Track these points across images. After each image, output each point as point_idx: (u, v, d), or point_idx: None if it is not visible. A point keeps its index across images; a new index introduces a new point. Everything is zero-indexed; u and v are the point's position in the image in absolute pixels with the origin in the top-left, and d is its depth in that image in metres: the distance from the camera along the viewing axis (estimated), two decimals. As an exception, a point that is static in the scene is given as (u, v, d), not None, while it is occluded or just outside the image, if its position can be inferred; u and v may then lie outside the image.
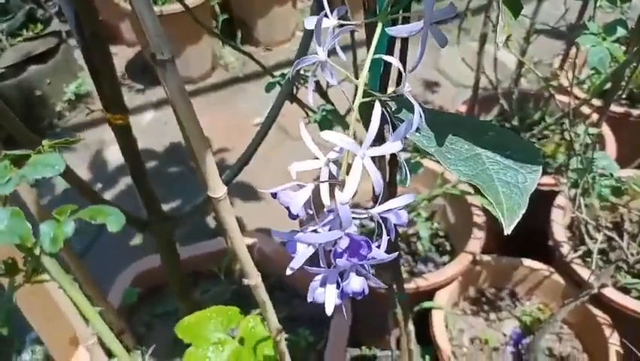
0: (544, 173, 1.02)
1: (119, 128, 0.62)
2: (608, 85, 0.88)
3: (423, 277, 0.91)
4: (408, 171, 0.41)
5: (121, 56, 2.08)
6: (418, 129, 0.39)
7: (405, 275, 0.98)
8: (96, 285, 0.78)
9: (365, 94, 0.35)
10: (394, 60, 0.36)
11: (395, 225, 0.34)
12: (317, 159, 0.35)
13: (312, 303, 0.33)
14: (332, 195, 0.35)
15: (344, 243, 0.31)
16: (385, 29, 0.36)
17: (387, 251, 0.33)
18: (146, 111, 1.86)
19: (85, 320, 0.75)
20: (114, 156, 1.68)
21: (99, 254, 1.37)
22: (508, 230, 0.33)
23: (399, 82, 0.53)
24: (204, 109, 1.86)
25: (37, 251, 0.33)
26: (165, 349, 0.84)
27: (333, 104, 0.83)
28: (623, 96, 1.28)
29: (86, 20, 0.54)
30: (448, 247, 1.08)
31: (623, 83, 0.90)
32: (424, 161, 0.92)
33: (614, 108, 1.19)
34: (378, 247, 0.33)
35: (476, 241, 0.96)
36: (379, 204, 0.33)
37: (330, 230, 0.32)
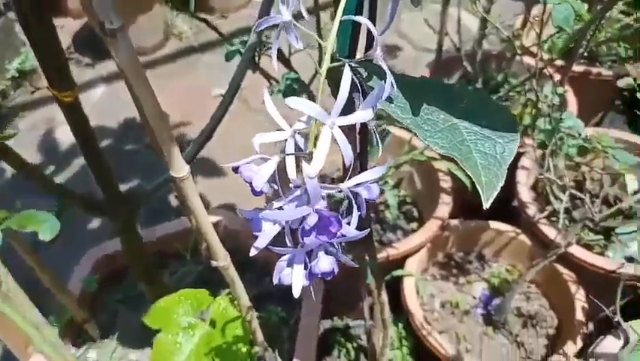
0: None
1: (68, 105, 0.58)
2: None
3: (393, 246, 0.90)
4: (379, 141, 0.38)
5: (67, 28, 1.95)
6: (390, 99, 0.37)
7: (376, 245, 0.98)
8: (54, 275, 0.74)
9: (333, 60, 0.32)
10: (366, 21, 0.34)
11: (366, 199, 0.32)
12: (282, 130, 0.32)
13: (279, 285, 0.31)
14: (298, 169, 0.32)
15: (312, 220, 0.29)
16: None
17: (359, 227, 0.31)
18: (97, 86, 1.77)
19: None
20: (65, 135, 1.59)
21: (59, 233, 1.31)
22: (487, 204, 0.31)
23: (368, 48, 0.50)
24: (159, 82, 1.78)
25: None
26: (132, 336, 0.81)
27: (297, 73, 0.79)
28: (583, 55, 1.29)
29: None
30: (416, 214, 1.08)
31: (585, 42, 0.90)
32: (390, 128, 0.90)
33: (575, 67, 1.20)
34: (349, 223, 0.32)
35: (444, 206, 0.96)
36: (349, 178, 0.31)
37: (297, 206, 0.30)
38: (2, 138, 0.32)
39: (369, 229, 0.34)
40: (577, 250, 0.88)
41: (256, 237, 0.31)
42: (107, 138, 1.57)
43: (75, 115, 0.58)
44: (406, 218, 1.07)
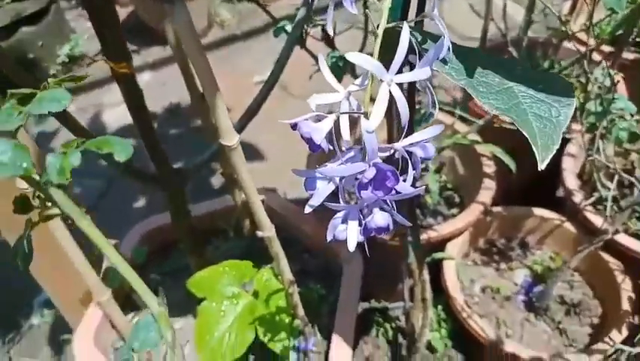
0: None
1: (124, 78, 0.60)
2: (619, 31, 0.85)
3: (434, 228, 0.90)
4: (436, 102, 0.38)
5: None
6: (445, 61, 0.37)
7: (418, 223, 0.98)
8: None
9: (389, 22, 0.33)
10: None
11: (422, 158, 0.32)
12: (336, 92, 0.33)
13: (332, 242, 0.32)
14: (352, 131, 0.33)
15: (370, 173, 0.29)
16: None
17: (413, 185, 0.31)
18: (143, 72, 1.82)
19: (98, 272, 0.75)
20: (112, 118, 1.65)
21: (106, 211, 1.36)
22: (542, 165, 0.31)
23: (420, 13, 0.51)
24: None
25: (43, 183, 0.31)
26: (178, 306, 0.83)
27: (339, 51, 0.80)
28: (635, 41, 1.25)
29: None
30: (457, 200, 1.07)
31: (636, 29, 0.87)
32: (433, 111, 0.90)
33: (625, 55, 1.16)
34: (405, 180, 0.32)
35: (487, 191, 0.95)
36: (404, 137, 0.31)
37: (352, 163, 0.31)
38: (76, 79, 0.34)
39: (423, 187, 0.35)
40: (624, 239, 0.86)
41: (310, 197, 0.31)
42: (152, 121, 1.62)
43: (130, 87, 0.61)
44: (447, 204, 1.06)
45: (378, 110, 0.29)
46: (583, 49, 0.78)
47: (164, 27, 0.75)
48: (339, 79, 0.69)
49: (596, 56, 1.18)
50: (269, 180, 1.38)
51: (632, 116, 0.70)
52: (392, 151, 0.32)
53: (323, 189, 0.32)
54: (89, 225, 0.36)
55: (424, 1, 0.46)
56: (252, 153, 1.44)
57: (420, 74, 0.31)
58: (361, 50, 0.77)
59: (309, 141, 0.31)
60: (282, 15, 2.19)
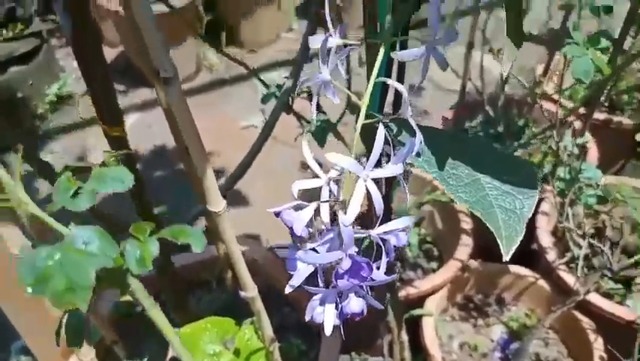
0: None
1: (116, 140, 0.62)
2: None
3: (413, 285, 0.92)
4: (407, 189, 0.40)
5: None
6: (418, 153, 0.40)
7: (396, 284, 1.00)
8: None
9: (367, 117, 0.36)
10: (398, 85, 0.37)
11: (394, 246, 0.35)
12: (317, 178, 0.35)
13: (311, 321, 0.34)
14: (332, 214, 0.35)
15: (346, 264, 0.32)
16: (390, 54, 0.37)
17: (386, 271, 0.34)
18: (130, 113, 1.84)
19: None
20: (97, 160, 1.66)
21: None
22: (506, 257, 0.34)
23: (396, 100, 0.54)
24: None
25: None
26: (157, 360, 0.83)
27: (325, 113, 0.83)
28: (605, 103, 1.31)
29: (83, 29, 0.54)
30: (436, 253, 1.09)
31: (605, 92, 0.93)
32: (412, 168, 0.93)
33: (596, 115, 1.22)
34: (378, 268, 0.34)
35: (464, 247, 0.98)
36: (379, 225, 0.34)
37: (329, 249, 0.33)
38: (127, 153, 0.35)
39: (395, 274, 0.37)
40: (596, 298, 0.88)
41: (289, 275, 0.34)
42: (138, 163, 1.63)
43: (121, 149, 0.63)
44: (426, 257, 1.09)
45: (355, 206, 0.32)
46: (554, 108, 0.82)
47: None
48: (324, 141, 0.72)
49: (569, 117, 1.23)
50: (253, 224, 1.39)
51: (597, 186, 0.74)
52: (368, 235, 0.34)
53: (303, 271, 0.34)
54: (157, 314, 0.37)
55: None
56: (238, 197, 1.46)
57: (393, 170, 0.34)
58: (344, 113, 0.80)
59: (290, 229, 0.34)
60: (270, 60, 2.23)
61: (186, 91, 1.93)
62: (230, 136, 1.69)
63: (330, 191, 0.36)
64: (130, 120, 1.82)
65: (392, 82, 0.38)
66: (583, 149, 0.78)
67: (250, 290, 0.62)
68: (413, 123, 0.37)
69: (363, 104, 0.36)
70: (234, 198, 1.44)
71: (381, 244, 0.34)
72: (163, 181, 1.58)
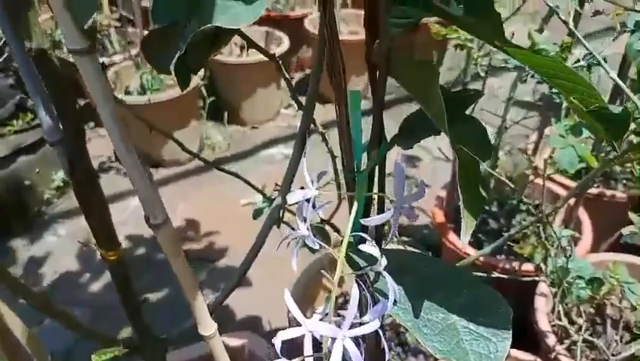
0: (527, 261, 1.05)
1: (112, 262, 0.64)
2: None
3: (413, 377, 0.92)
4: (385, 344, 0.42)
5: (107, 138, 2.12)
6: (395, 301, 0.42)
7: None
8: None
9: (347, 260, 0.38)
10: (373, 250, 0.39)
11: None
12: (300, 326, 0.37)
13: None
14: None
15: None
16: (360, 220, 0.39)
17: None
18: (134, 195, 1.88)
19: None
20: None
21: (81, 356, 1.35)
22: (484, 405, 0.35)
23: (377, 231, 0.56)
24: (192, 190, 1.89)
25: None
26: None
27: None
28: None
29: (79, 164, 0.57)
30: (437, 337, 1.09)
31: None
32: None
33: (589, 190, 1.24)
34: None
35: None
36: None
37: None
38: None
39: None
40: (599, 385, 0.88)
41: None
42: (140, 246, 1.66)
43: (118, 271, 0.65)
44: (426, 342, 1.08)
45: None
46: (549, 185, 0.84)
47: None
48: (315, 250, 0.74)
49: (561, 190, 1.26)
50: (253, 307, 1.40)
51: (585, 283, 0.75)
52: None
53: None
54: None
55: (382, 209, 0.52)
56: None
57: (370, 327, 0.36)
58: (334, 214, 0.83)
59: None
60: (269, 137, 2.29)
61: (189, 170, 1.99)
62: (230, 214, 1.71)
63: (314, 338, 0.38)
64: (134, 202, 1.86)
65: (367, 247, 0.39)
66: (572, 239, 0.80)
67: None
68: (387, 277, 0.39)
69: (341, 256, 0.38)
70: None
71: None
72: (164, 264, 1.59)
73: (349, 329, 0.34)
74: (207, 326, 0.57)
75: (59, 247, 1.70)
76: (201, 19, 0.33)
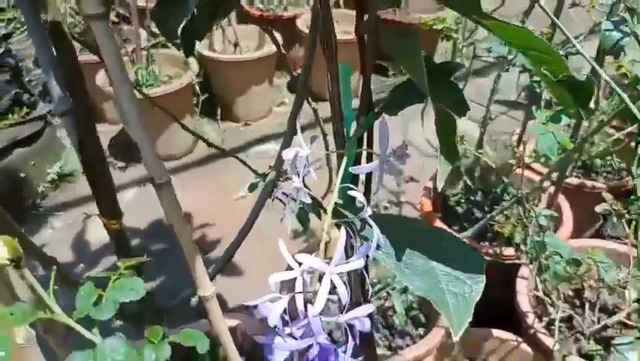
0: (508, 245, 1.10)
1: (115, 231, 0.68)
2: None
3: (399, 353, 0.96)
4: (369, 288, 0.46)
5: (104, 133, 2.15)
6: (378, 246, 0.46)
7: (385, 351, 1.03)
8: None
9: (335, 210, 0.42)
10: (359, 194, 0.43)
11: (360, 331, 0.40)
12: (292, 269, 0.41)
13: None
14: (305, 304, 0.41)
15: (315, 351, 0.37)
16: (349, 169, 0.44)
17: (354, 354, 0.39)
18: (129, 189, 1.91)
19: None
20: (97, 235, 1.71)
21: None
22: (456, 337, 0.39)
23: (366, 187, 0.60)
24: (187, 184, 1.92)
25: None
26: None
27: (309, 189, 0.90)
28: (579, 166, 1.39)
29: (90, 144, 0.61)
30: (423, 319, 1.13)
31: (574, 160, 1.00)
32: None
33: (569, 180, 1.29)
34: (344, 352, 0.39)
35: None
36: (345, 312, 0.39)
37: (303, 334, 0.39)
38: (140, 263, 0.41)
39: (361, 357, 0.42)
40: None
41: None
42: (137, 237, 1.69)
43: (120, 238, 0.69)
44: (413, 323, 1.12)
45: (321, 299, 0.38)
46: (532, 175, 0.89)
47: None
48: (307, 223, 0.78)
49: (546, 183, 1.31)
50: (246, 293, 1.43)
51: (561, 257, 0.80)
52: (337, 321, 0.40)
53: (279, 356, 0.39)
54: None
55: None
56: (232, 267, 1.51)
57: (355, 264, 0.40)
58: (326, 194, 0.87)
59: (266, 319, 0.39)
60: (262, 134, 2.32)
61: (184, 164, 2.02)
62: (224, 207, 1.75)
63: (305, 282, 0.42)
64: (129, 194, 1.89)
65: (355, 193, 0.43)
66: (551, 219, 0.84)
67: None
68: (372, 222, 0.43)
69: (329, 208, 0.42)
70: (229, 267, 1.48)
71: (348, 329, 0.40)
72: (162, 253, 1.63)
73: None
74: (206, 288, 0.60)
75: (54, 239, 1.72)
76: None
